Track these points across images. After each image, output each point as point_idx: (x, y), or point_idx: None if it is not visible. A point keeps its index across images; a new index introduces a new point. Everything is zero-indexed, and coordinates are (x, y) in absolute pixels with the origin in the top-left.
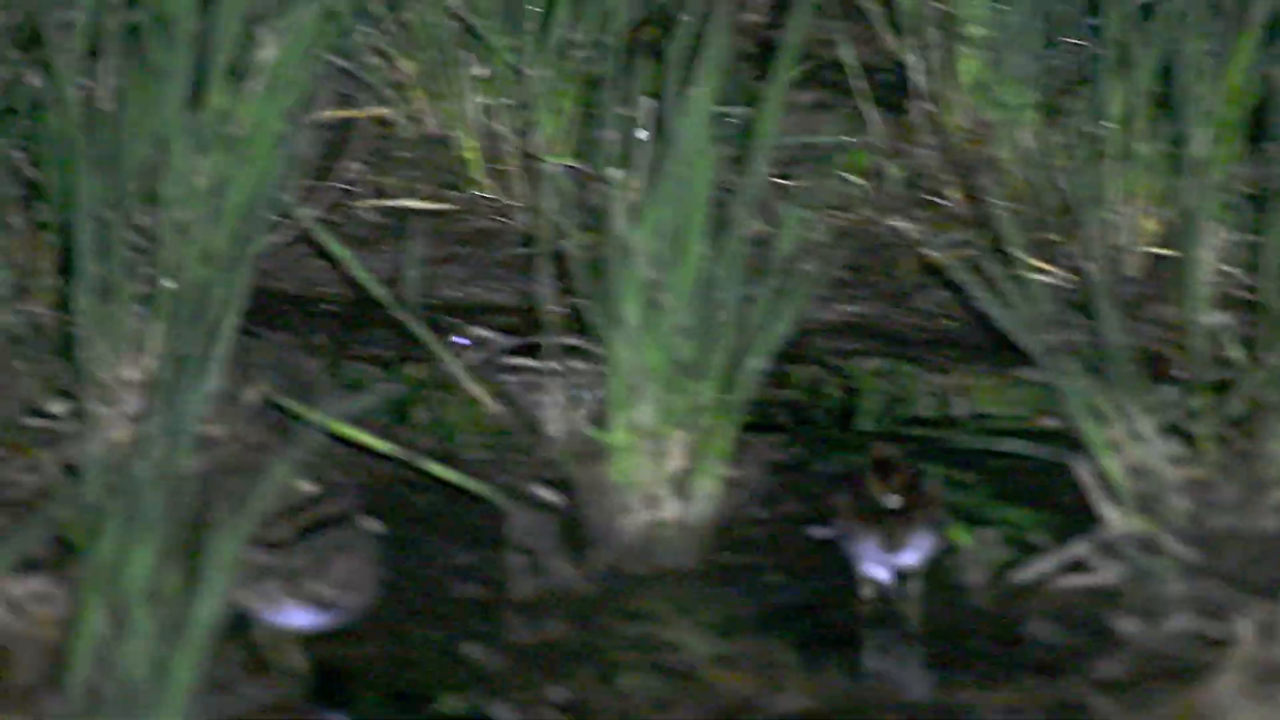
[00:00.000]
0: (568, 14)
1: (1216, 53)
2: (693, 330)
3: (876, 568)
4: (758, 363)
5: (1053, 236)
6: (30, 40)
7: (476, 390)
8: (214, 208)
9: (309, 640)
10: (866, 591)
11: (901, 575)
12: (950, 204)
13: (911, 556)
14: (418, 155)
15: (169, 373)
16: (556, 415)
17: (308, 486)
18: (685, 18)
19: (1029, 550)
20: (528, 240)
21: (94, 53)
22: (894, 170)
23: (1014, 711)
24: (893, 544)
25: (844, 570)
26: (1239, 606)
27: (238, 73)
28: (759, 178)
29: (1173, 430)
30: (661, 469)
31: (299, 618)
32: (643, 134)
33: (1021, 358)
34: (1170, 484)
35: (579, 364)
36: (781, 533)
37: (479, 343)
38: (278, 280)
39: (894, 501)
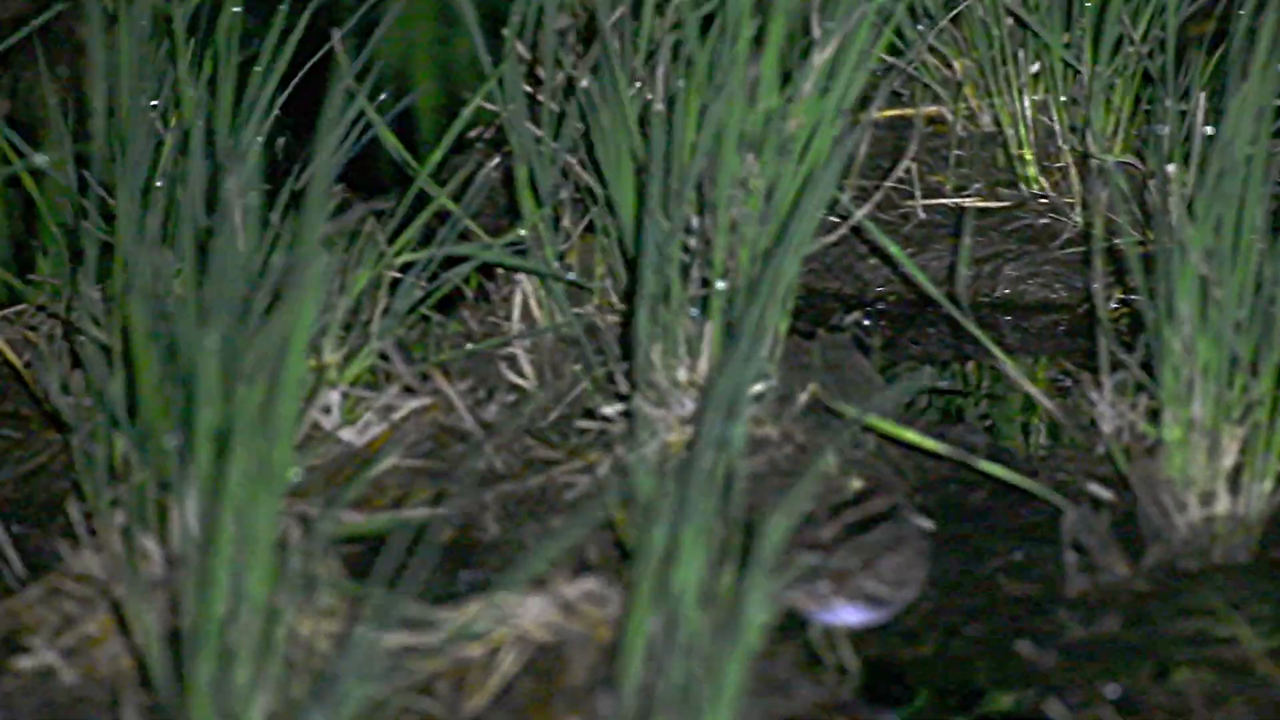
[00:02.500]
0: (1123, 9)
1: None
2: (1248, 325)
3: None
4: None
5: None
6: (584, 42)
7: (1030, 387)
8: (766, 208)
9: (861, 638)
10: None
11: None
12: None
13: None
14: (971, 153)
15: (721, 374)
16: (1110, 412)
17: (858, 484)
18: (1242, 11)
19: None
20: (1082, 237)
21: (648, 54)
22: None
23: None
24: None
25: None
26: None
27: (791, 73)
28: None
29: None
30: (1216, 464)
31: (850, 616)
32: (1199, 129)
33: None
34: None
35: (1130, 360)
36: None
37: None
38: (830, 279)
39: None
